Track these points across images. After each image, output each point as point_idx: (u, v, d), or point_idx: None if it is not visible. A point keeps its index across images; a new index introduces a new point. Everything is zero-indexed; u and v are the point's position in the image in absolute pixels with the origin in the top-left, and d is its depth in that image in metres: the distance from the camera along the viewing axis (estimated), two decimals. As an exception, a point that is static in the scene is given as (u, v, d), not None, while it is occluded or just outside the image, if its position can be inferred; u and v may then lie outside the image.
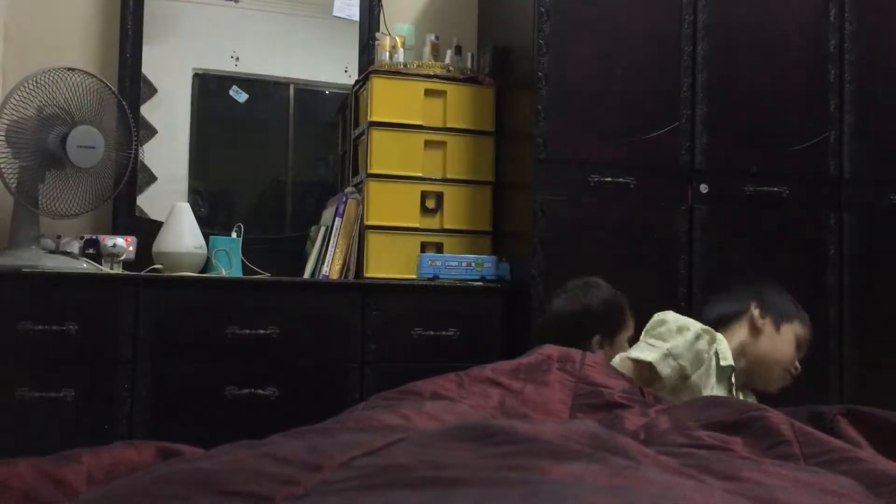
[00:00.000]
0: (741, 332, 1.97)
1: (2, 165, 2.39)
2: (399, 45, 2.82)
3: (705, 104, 2.66)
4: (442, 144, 2.73)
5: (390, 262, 2.63)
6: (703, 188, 2.65)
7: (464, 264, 2.57)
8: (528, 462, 0.59)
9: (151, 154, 2.87)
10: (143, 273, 2.52)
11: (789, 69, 2.76)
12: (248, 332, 2.34)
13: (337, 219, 2.65)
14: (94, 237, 2.57)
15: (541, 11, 2.54)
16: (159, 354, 2.30)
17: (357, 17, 3.04)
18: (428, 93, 2.72)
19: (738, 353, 1.94)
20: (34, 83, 2.45)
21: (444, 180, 2.73)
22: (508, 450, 0.63)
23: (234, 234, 2.76)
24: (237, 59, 2.99)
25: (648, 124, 2.62)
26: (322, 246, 2.67)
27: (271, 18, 3.04)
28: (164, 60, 2.89)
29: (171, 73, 2.92)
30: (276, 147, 3.11)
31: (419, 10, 3.15)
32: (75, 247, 2.56)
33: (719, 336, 1.93)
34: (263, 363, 2.36)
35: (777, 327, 1.96)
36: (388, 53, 2.79)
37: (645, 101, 2.63)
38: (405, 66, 2.77)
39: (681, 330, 1.86)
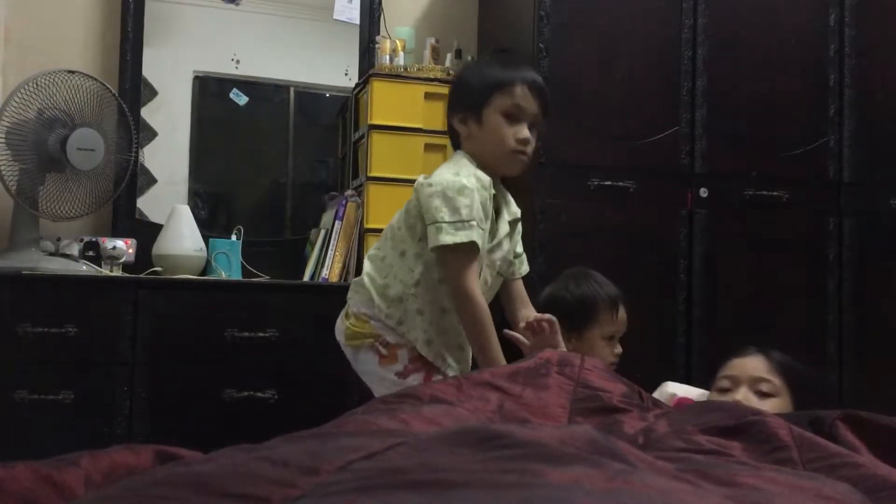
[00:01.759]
0: (466, 143, 1.89)
1: (2, 167, 2.39)
2: (399, 48, 2.82)
3: (705, 108, 2.66)
4: (442, 148, 2.73)
5: (390, 265, 2.63)
6: (703, 192, 2.65)
7: (463, 267, 2.57)
8: (525, 466, 0.59)
9: (151, 156, 2.87)
10: (142, 275, 2.53)
11: (789, 74, 2.76)
12: (247, 334, 2.34)
13: (337, 222, 2.66)
14: (93, 239, 2.58)
15: (541, 15, 2.55)
16: (158, 357, 2.30)
17: (357, 21, 3.04)
18: (428, 96, 2.72)
19: (476, 160, 1.87)
20: (34, 85, 2.46)
21: (444, 183, 2.73)
22: (506, 454, 0.64)
23: (233, 237, 2.76)
24: (237, 61, 2.99)
25: (648, 128, 2.62)
26: (322, 249, 2.67)
27: (272, 21, 3.05)
28: (164, 63, 2.90)
29: (171, 75, 2.93)
30: (276, 150, 3.11)
31: (419, 14, 3.15)
32: (75, 249, 2.56)
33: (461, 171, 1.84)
34: (262, 366, 2.36)
35: (479, 120, 1.86)
36: (388, 56, 2.79)
37: (645, 105, 2.64)
38: (405, 69, 2.77)
39: (462, 189, 1.76)
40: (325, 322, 2.45)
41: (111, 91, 2.61)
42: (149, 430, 2.25)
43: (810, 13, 2.79)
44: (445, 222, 1.75)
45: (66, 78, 2.51)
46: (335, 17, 3.02)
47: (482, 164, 1.86)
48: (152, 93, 2.89)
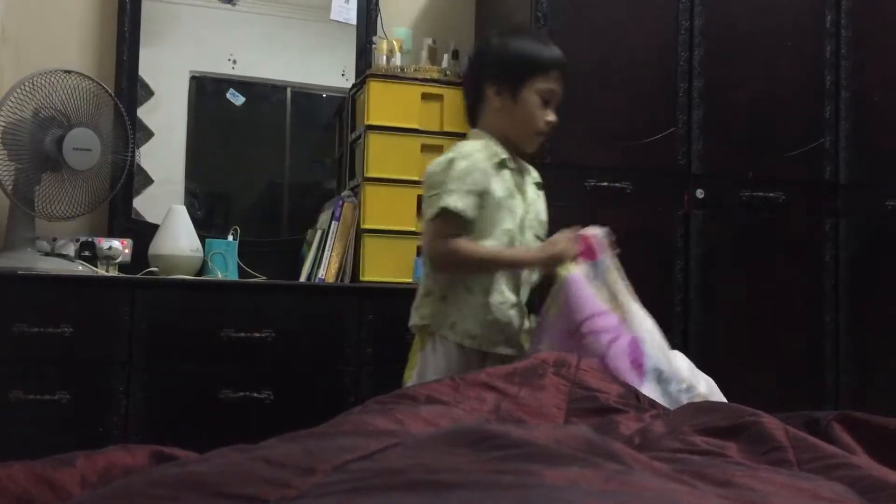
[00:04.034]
0: (489, 116, 1.96)
1: (-2, 167, 2.39)
2: (396, 48, 2.82)
3: (702, 109, 2.67)
4: (439, 148, 2.72)
5: (386, 266, 2.63)
6: (700, 193, 2.65)
7: (460, 268, 2.57)
8: (521, 466, 0.59)
9: (148, 156, 2.87)
10: (138, 276, 2.52)
11: (785, 75, 2.76)
12: (243, 334, 2.34)
13: (333, 222, 2.65)
14: (89, 239, 2.57)
15: (538, 16, 2.55)
16: (155, 357, 2.30)
17: (354, 21, 3.04)
18: (425, 96, 2.72)
19: (495, 133, 1.94)
20: (31, 85, 2.45)
21: (441, 184, 2.72)
22: (502, 454, 0.64)
23: (230, 237, 2.75)
24: (234, 61, 2.99)
25: (645, 129, 2.62)
26: (318, 249, 2.67)
27: (268, 21, 3.04)
28: (160, 63, 2.89)
29: (167, 75, 2.92)
30: (273, 150, 3.11)
31: (416, 14, 3.15)
32: (71, 249, 2.55)
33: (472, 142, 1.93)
34: (259, 366, 2.35)
35: (515, 98, 1.91)
36: (385, 57, 2.79)
37: (642, 106, 2.64)
38: (402, 69, 2.77)
39: (450, 163, 1.85)
40: (321, 322, 2.45)
41: (107, 91, 2.61)
42: (145, 431, 2.25)
43: (807, 15, 2.79)
44: (432, 194, 1.85)
45: (63, 78, 2.51)
46: (332, 17, 3.01)
47: (503, 138, 1.93)
48: (149, 93, 2.88)
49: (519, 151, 1.98)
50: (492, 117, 1.95)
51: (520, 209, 1.92)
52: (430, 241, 1.85)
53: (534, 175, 2.05)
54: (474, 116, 2.01)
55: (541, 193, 2.06)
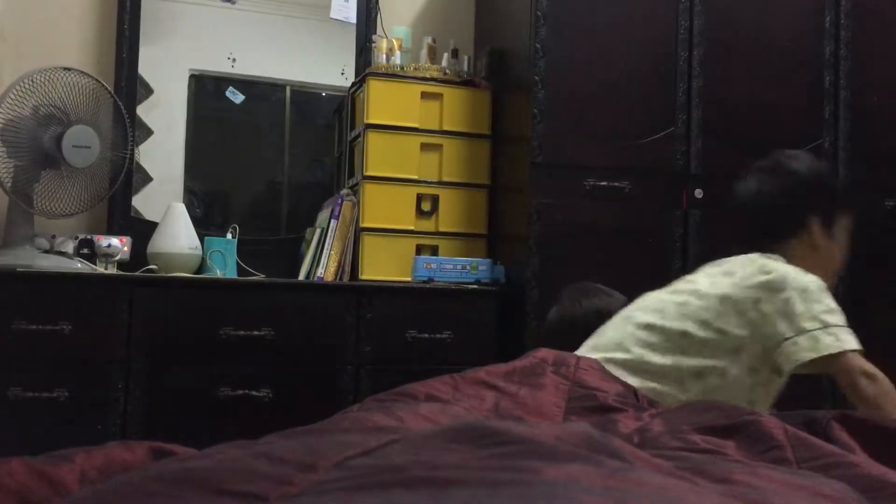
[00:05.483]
0: (799, 250, 1.68)
1: (-3, 164, 2.39)
2: (396, 47, 2.82)
3: (701, 109, 2.67)
4: (438, 147, 2.73)
5: (385, 265, 2.63)
6: (698, 193, 2.65)
7: (459, 267, 2.58)
8: (521, 463, 0.59)
9: (147, 154, 2.87)
10: (137, 273, 2.52)
11: (784, 75, 2.76)
12: (242, 333, 2.34)
13: (332, 221, 2.65)
14: (88, 237, 2.57)
15: (537, 15, 2.55)
16: (153, 355, 2.30)
17: (354, 20, 3.04)
18: (424, 95, 2.72)
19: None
20: (30, 82, 2.45)
21: (440, 183, 2.73)
22: (502, 451, 0.64)
23: (229, 236, 2.75)
24: (234, 60, 2.99)
25: (644, 129, 2.62)
26: (317, 248, 2.67)
27: (268, 20, 3.04)
28: (160, 61, 2.89)
29: (167, 73, 2.92)
30: (273, 148, 3.11)
31: (416, 13, 3.15)
32: (70, 247, 2.55)
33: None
34: (258, 364, 2.35)
35: (832, 235, 1.68)
36: (384, 56, 2.79)
37: (641, 106, 2.64)
38: (402, 68, 2.77)
39: (806, 291, 1.52)
40: (320, 321, 2.45)
41: (107, 88, 2.61)
42: (143, 429, 2.25)
43: (806, 15, 2.79)
44: (837, 325, 1.57)
45: (62, 75, 2.50)
46: (332, 15, 3.01)
47: None
48: (148, 91, 2.88)
49: None
50: (805, 254, 1.66)
51: None
52: (865, 376, 1.57)
53: None
54: (772, 242, 1.71)
55: None
